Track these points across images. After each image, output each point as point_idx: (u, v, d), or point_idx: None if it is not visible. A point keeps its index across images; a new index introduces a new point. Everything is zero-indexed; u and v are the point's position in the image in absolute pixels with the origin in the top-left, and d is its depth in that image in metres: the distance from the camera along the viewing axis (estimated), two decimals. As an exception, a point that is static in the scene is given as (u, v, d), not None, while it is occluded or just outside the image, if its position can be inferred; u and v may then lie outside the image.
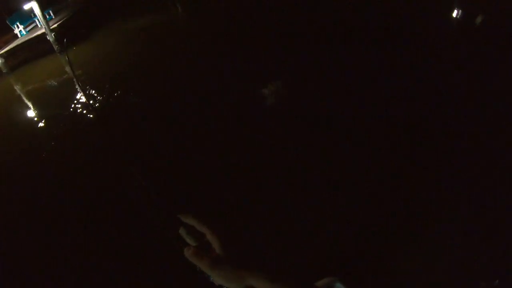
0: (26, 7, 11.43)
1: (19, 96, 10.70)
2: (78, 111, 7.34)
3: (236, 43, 7.32)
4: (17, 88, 11.33)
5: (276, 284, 0.54)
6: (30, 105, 9.61)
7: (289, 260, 2.47)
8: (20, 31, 12.87)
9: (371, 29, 5.90)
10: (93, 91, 7.95)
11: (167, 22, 11.18)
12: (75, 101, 7.77)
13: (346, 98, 4.38)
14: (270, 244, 2.65)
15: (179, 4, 12.22)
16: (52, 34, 11.34)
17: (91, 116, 6.93)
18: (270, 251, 2.36)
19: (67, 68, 10.58)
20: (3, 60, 12.24)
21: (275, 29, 7.36)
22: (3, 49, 12.54)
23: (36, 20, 12.51)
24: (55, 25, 11.66)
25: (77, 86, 8.80)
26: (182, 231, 0.69)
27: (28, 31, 12.99)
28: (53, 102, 8.74)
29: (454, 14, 6.20)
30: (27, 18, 12.83)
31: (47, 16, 11.99)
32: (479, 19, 5.54)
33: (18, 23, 12.89)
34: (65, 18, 12.29)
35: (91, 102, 7.52)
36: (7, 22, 13.21)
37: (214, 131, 4.65)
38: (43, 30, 11.46)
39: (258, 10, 8.85)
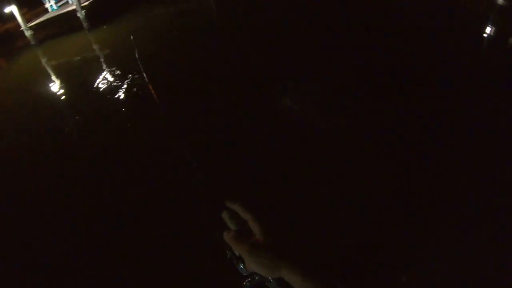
0: (59, -18, 11.68)
1: (44, 69, 10.89)
2: (101, 88, 7.47)
3: (256, 42, 7.25)
4: (43, 60, 11.53)
5: (306, 280, 0.56)
6: (53, 78, 9.82)
7: (321, 259, 2.46)
8: (50, 6, 13.10)
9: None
10: (118, 70, 8.03)
11: (196, 11, 11.24)
12: (99, 78, 7.90)
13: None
14: (307, 240, 2.66)
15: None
16: (83, 11, 11.52)
17: (114, 93, 6.99)
18: (306, 246, 2.40)
19: (95, 46, 10.74)
20: (32, 32, 12.46)
21: (300, 28, 7.31)
22: (32, 22, 12.76)
23: (68, -4, 12.76)
24: (86, 3, 11.84)
25: (102, 64, 8.92)
26: (225, 215, 0.73)
27: (59, 6, 13.19)
28: (77, 78, 8.90)
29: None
30: (59, -7, 13.06)
31: (79, -7, 12.17)
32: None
33: (49, -2, 13.12)
34: (96, -3, 12.43)
35: (115, 80, 7.61)
36: (39, -5, 13.46)
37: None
38: (73, 7, 11.65)
39: (290, 9, 8.82)
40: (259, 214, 0.66)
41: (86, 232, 3.56)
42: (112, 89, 7.16)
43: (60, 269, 3.21)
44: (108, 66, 8.62)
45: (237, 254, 0.69)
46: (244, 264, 0.67)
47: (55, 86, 9.05)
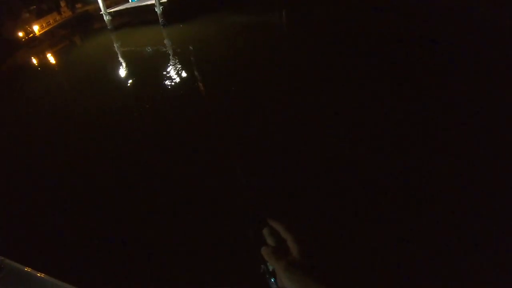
0: (142, -24, 12.44)
1: (114, 52, 11.58)
2: (159, 81, 7.83)
3: (320, 62, 7.30)
4: (115, 45, 12.27)
5: None
6: (121, 62, 10.42)
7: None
8: (131, -4, 13.95)
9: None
10: (184, 68, 8.35)
11: (267, 24, 11.57)
12: (161, 72, 8.26)
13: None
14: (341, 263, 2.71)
15: (285, 10, 12.57)
16: (161, 7, 12.16)
17: (177, 89, 7.27)
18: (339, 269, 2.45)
19: (165, 41, 11.29)
20: (110, 18, 13.32)
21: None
22: (112, 8, 13.65)
23: (148, -9, 13.53)
24: (165, 0, 12.47)
25: (168, 59, 9.33)
26: (266, 231, 0.77)
27: (139, -2, 14.03)
28: (142, 67, 9.42)
29: None
30: (141, -14, 13.87)
31: (159, -10, 12.88)
32: None
33: (131, -11, 13.97)
34: (175, -4, 13.10)
35: (180, 76, 7.91)
36: (121, -15, 14.38)
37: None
38: (152, 1, 12.30)
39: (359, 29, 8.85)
40: (298, 235, 0.70)
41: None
42: (168, 85, 7.49)
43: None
44: (173, 62, 8.97)
45: (270, 269, 0.74)
46: (275, 279, 0.73)
47: (120, 70, 9.61)
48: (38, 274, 1.19)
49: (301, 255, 0.68)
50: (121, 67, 9.87)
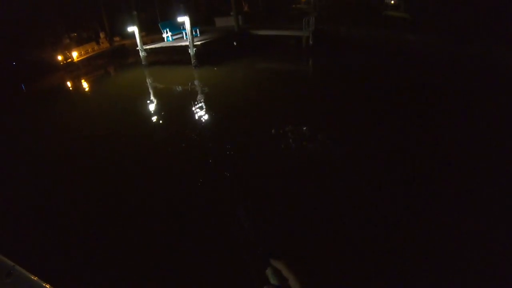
0: (179, 19, 13.38)
1: (145, 87, 12.26)
2: (185, 119, 8.26)
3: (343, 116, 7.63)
4: (148, 80, 13.01)
5: None
6: (150, 96, 11.02)
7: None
8: (167, 37, 14.96)
9: None
10: (211, 110, 8.78)
11: (294, 71, 12.20)
12: (188, 111, 8.72)
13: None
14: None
15: (312, 58, 13.28)
16: (194, 49, 13.00)
17: (195, 129, 7.64)
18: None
19: (195, 81, 11.94)
20: (145, 54, 14.25)
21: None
22: (148, 45, 14.62)
23: (183, 33, 14.51)
24: (198, 43, 13.35)
25: (199, 100, 9.83)
26: (268, 271, 0.81)
27: (174, 39, 15.02)
28: (171, 104, 9.95)
29: None
30: (177, 28, 14.92)
31: (194, 33, 13.81)
32: None
33: (167, 29, 15.02)
34: (208, 40, 14.02)
35: (206, 117, 8.31)
36: (159, 25, 15.47)
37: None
38: (187, 43, 13.18)
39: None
40: (300, 275, 0.73)
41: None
42: (195, 125, 7.88)
43: None
44: (200, 103, 9.44)
45: None
46: None
47: (148, 104, 10.13)
48: (44, 284, 1.24)
49: None
50: (149, 101, 10.43)
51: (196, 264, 3.74)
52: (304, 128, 6.64)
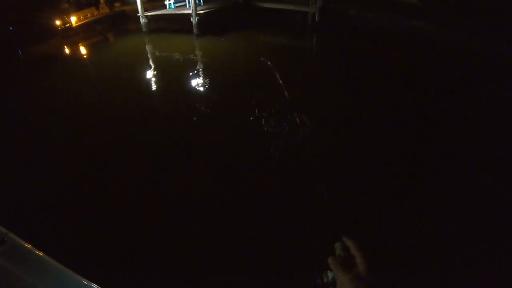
0: (183, -14, 12.95)
1: (145, 55, 11.96)
2: (184, 89, 8.10)
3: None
4: (147, 48, 12.67)
5: None
6: (149, 65, 10.77)
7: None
8: (169, 4, 14.44)
9: None
10: (208, 80, 8.58)
11: (297, 47, 11.90)
12: (187, 81, 8.51)
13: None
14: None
15: (316, 36, 12.96)
16: (196, 18, 12.59)
17: (195, 100, 7.48)
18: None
19: (196, 51, 11.63)
20: (146, 21, 13.80)
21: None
22: (149, 12, 14.14)
23: (187, 1, 14.01)
24: (201, 12, 12.91)
25: (197, 69, 9.60)
26: (338, 245, 0.85)
27: (176, 6, 14.51)
28: (169, 73, 9.71)
29: None
30: (180, -5, 14.41)
31: (197, 1, 13.35)
32: None
33: (170, -4, 14.51)
34: (212, 9, 13.58)
35: (202, 87, 8.14)
36: (161, -9, 14.93)
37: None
38: (189, 11, 12.75)
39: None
40: (367, 253, 0.77)
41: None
42: (193, 95, 7.70)
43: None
44: (198, 73, 9.25)
45: (329, 279, 0.83)
46: None
47: (146, 72, 9.91)
48: (37, 252, 1.27)
49: (367, 271, 0.75)
50: (148, 69, 10.20)
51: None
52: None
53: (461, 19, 12.79)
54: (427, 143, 5.49)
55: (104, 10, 17.86)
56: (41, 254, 1.26)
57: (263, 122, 6.01)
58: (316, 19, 13.60)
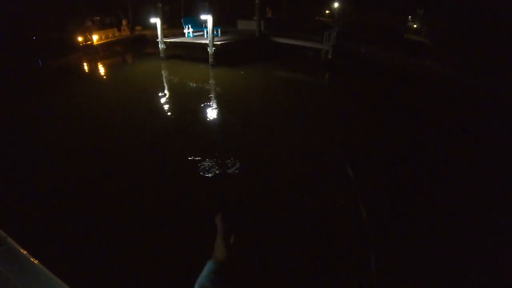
0: (202, 17, 13.48)
1: (160, 79, 12.33)
2: (204, 116, 8.27)
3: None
4: (163, 73, 13.09)
5: None
6: (164, 89, 11.07)
7: None
8: (188, 33, 15.06)
9: None
10: (219, 109, 8.77)
11: (309, 83, 12.19)
12: (201, 108, 8.72)
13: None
14: None
15: (328, 72, 13.30)
16: (213, 48, 13.05)
17: (205, 127, 7.64)
18: None
19: (211, 80, 11.97)
20: (164, 47, 14.35)
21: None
22: (168, 39, 14.74)
23: (205, 31, 14.58)
24: (218, 42, 13.40)
25: (210, 98, 9.84)
26: None
27: (195, 35, 15.11)
28: (183, 99, 9.97)
29: None
30: (199, 25, 15.02)
31: (215, 32, 13.88)
32: None
33: (189, 25, 15.14)
34: (228, 41, 14.08)
35: (213, 115, 8.31)
36: (181, 20, 15.60)
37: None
38: (207, 41, 13.24)
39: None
40: None
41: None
42: (204, 122, 7.88)
43: None
44: (211, 101, 9.49)
45: None
46: None
47: (159, 95, 10.15)
48: (32, 259, 1.28)
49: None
50: (161, 93, 10.48)
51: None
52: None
53: (470, 58, 13.16)
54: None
55: (126, 32, 18.71)
56: (36, 262, 1.28)
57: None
58: (329, 56, 14.02)
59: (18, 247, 1.32)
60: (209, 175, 5.29)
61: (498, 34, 14.79)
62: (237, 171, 5.38)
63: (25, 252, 1.31)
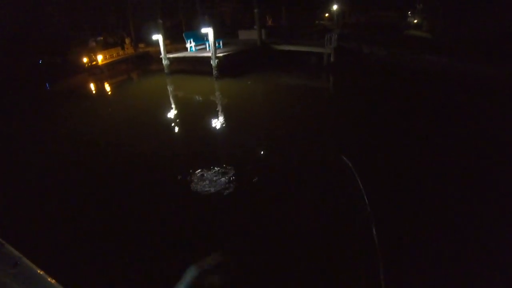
0: (203, 30, 13.61)
1: (165, 94, 12.49)
2: (208, 128, 8.33)
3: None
4: (169, 88, 13.26)
5: None
6: (170, 104, 11.22)
7: None
8: (190, 47, 15.26)
9: None
10: (227, 120, 8.80)
11: (313, 88, 12.18)
12: (207, 120, 8.77)
13: None
14: None
15: (332, 76, 13.29)
16: (216, 60, 13.17)
17: (215, 141, 7.66)
18: None
19: (216, 92, 12.07)
20: (168, 62, 14.54)
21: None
22: (171, 54, 14.94)
23: (207, 44, 14.72)
24: (221, 54, 13.53)
25: (215, 109, 9.90)
26: None
27: (197, 49, 15.30)
28: (190, 113, 10.02)
29: None
30: (200, 39, 15.22)
31: (217, 44, 14.01)
32: None
33: (191, 40, 15.33)
34: (230, 52, 14.25)
35: (222, 127, 8.33)
36: (183, 35, 15.82)
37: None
38: (209, 54, 13.37)
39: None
40: None
41: None
42: (212, 133, 7.92)
43: None
44: (218, 114, 9.55)
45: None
46: None
47: (167, 111, 10.29)
48: (49, 279, 1.25)
49: None
50: (168, 108, 10.61)
51: None
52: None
53: (473, 51, 13.05)
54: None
55: (129, 50, 19.02)
56: (53, 281, 1.26)
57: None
58: (332, 59, 14.03)
59: (34, 267, 1.28)
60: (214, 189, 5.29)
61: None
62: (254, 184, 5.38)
63: (42, 272, 1.28)
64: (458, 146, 6.54)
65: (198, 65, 14.34)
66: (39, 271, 1.29)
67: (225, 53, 13.80)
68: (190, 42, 15.29)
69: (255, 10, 15.48)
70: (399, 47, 15.77)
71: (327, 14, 30.25)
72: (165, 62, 14.65)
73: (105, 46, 19.13)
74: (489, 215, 4.41)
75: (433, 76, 11.67)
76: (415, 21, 26.51)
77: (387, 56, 15.02)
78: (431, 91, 10.23)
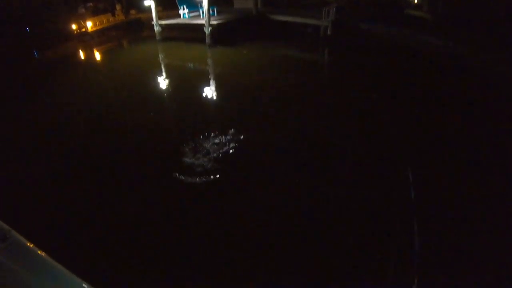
0: (198, -4, 13.16)
1: (157, 62, 12.13)
2: (201, 96, 8.14)
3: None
4: (160, 56, 12.86)
5: None
6: (161, 71, 10.89)
7: None
8: (183, 13, 14.70)
9: None
10: (218, 89, 8.63)
11: (307, 60, 11.95)
12: (200, 90, 8.57)
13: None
14: None
15: (328, 49, 13.02)
16: (210, 28, 12.76)
17: (204, 110, 7.48)
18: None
19: (208, 60, 11.77)
20: (160, 29, 14.07)
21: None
22: (164, 21, 14.42)
23: (200, 11, 14.21)
24: (215, 22, 13.09)
25: (208, 79, 9.68)
26: None
27: (190, 16, 14.76)
28: (181, 80, 9.78)
29: None
30: (194, 5, 14.63)
31: (211, 12, 13.53)
32: None
33: (184, 6, 14.75)
34: (225, 20, 13.79)
35: (215, 96, 8.18)
36: (176, 1, 15.19)
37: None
38: (203, 22, 12.94)
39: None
40: None
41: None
42: (197, 103, 7.75)
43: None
44: (209, 82, 9.35)
45: None
46: None
47: (157, 79, 9.99)
48: (39, 252, 1.28)
49: None
50: (159, 76, 10.31)
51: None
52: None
53: (470, 32, 12.82)
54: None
55: (120, 17, 18.28)
56: (42, 254, 1.27)
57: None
58: (328, 32, 13.70)
59: (24, 240, 1.30)
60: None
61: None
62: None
63: (31, 245, 1.30)
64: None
65: (191, 33, 13.89)
66: (29, 244, 1.31)
67: (219, 21, 13.37)
68: (183, 9, 14.71)
69: (252, -23, 14.93)
70: (397, 26, 15.44)
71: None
72: (157, 28, 14.16)
73: (95, 13, 18.32)
74: None
75: (427, 58, 11.45)
76: (415, 0, 25.99)
77: (385, 34, 14.72)
78: (423, 73, 10.08)
